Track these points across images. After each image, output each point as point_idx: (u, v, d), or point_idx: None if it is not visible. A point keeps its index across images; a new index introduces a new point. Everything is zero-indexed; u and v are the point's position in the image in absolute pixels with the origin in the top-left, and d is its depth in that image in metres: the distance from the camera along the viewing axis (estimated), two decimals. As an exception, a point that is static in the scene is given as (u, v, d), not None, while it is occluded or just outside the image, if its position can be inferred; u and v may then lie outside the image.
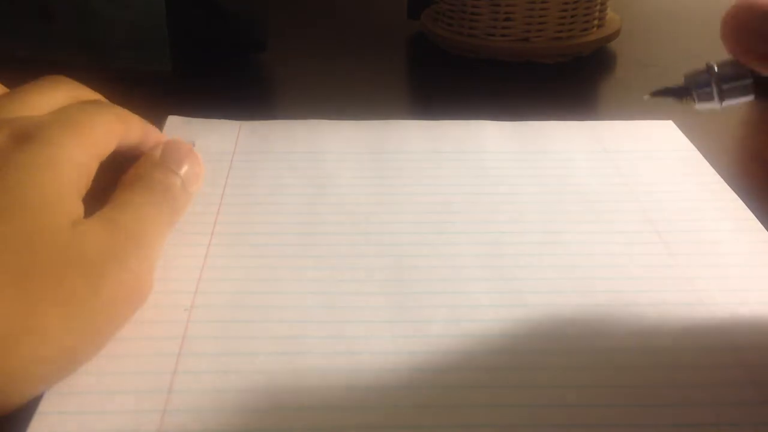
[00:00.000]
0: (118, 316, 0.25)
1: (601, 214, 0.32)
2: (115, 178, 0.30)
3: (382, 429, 0.22)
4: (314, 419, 0.22)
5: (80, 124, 0.28)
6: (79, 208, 0.26)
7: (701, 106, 0.28)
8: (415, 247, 0.30)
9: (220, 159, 0.36)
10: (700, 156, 0.37)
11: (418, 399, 0.23)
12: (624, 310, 0.27)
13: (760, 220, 0.31)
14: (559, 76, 0.48)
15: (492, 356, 0.25)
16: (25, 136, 0.26)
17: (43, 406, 0.23)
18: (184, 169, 0.30)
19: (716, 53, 0.27)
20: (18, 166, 0.25)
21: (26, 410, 0.23)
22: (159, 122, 0.37)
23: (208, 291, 0.28)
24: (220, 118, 0.39)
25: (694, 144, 0.38)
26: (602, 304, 0.27)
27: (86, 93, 0.32)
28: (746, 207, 0.33)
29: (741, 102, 0.28)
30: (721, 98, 0.28)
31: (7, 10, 0.44)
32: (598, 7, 0.50)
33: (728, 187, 0.34)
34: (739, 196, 0.33)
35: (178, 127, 0.37)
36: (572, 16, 0.49)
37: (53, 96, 0.30)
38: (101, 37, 0.43)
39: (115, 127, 0.30)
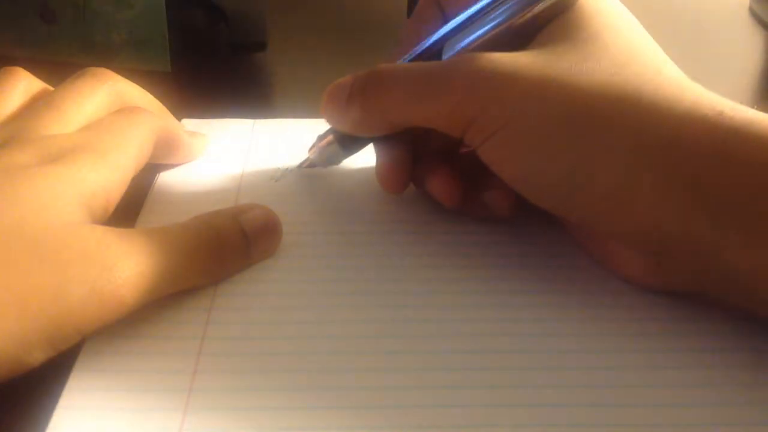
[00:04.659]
0: (82, 323, 0.24)
1: None
2: None
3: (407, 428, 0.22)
4: (332, 418, 0.23)
5: (106, 150, 0.28)
6: (82, 217, 0.25)
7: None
8: (423, 246, 0.30)
9: (235, 158, 0.36)
10: None
11: (440, 399, 0.23)
12: (626, 310, 0.27)
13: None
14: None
15: (497, 356, 0.25)
16: (50, 157, 0.26)
17: (65, 401, 0.23)
18: (256, 237, 0.28)
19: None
20: (32, 177, 0.25)
21: (47, 405, 0.23)
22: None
23: (227, 293, 0.27)
24: (221, 119, 0.39)
25: None
26: (607, 305, 0.27)
27: (128, 89, 0.32)
28: None
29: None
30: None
31: (8, 10, 0.44)
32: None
33: None
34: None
35: (192, 129, 0.37)
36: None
37: (92, 101, 0.30)
38: (101, 37, 0.43)
39: (145, 145, 0.30)
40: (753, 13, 0.56)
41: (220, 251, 0.27)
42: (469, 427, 0.22)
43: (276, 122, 0.39)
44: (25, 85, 0.31)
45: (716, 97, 0.25)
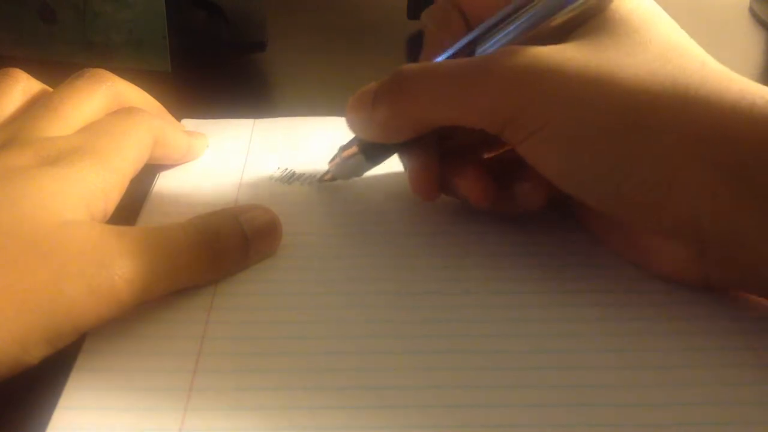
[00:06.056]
0: (79, 320, 0.23)
1: None
2: None
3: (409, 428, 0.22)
4: (332, 418, 0.23)
5: (105, 153, 0.28)
6: (81, 216, 0.25)
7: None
8: (424, 247, 0.30)
9: (235, 158, 0.36)
10: None
11: (443, 399, 0.23)
12: (625, 309, 0.27)
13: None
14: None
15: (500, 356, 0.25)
16: (49, 159, 0.27)
17: (65, 401, 0.23)
18: (256, 237, 0.28)
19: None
20: (31, 178, 0.25)
21: (47, 405, 0.23)
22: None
23: (227, 293, 0.27)
24: (222, 119, 0.39)
25: None
26: (602, 304, 0.27)
27: (126, 90, 0.33)
28: None
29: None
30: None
31: (8, 10, 0.44)
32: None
33: None
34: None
35: (192, 129, 0.37)
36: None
37: (90, 103, 0.30)
38: (101, 37, 0.43)
39: (144, 146, 0.30)
40: (753, 13, 0.56)
41: (219, 251, 0.27)
42: (473, 427, 0.22)
43: (276, 122, 0.39)
44: (23, 86, 0.31)
45: (763, 87, 0.24)
